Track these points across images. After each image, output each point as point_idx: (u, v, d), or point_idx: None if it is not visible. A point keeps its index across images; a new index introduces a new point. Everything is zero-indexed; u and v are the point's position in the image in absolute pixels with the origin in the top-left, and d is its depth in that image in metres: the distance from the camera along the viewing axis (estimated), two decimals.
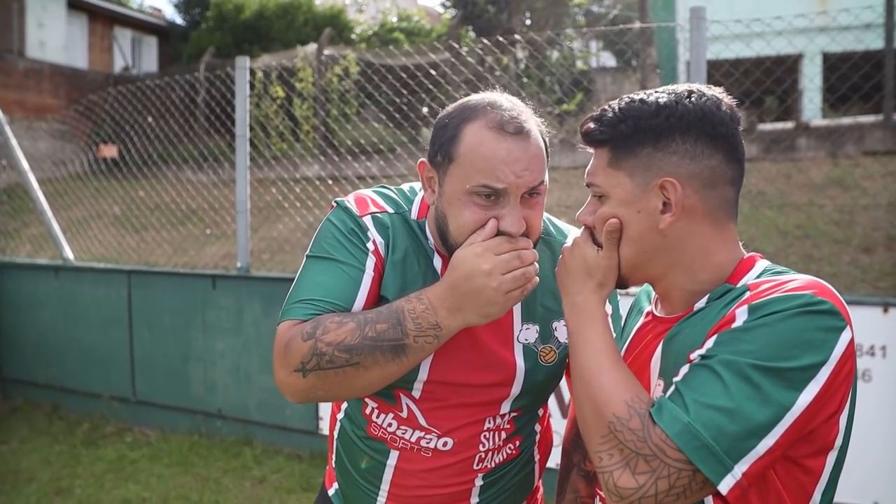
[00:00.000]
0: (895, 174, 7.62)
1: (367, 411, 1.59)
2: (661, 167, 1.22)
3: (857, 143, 8.87)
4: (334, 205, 1.57)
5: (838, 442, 1.13)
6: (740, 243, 1.30)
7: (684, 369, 1.14)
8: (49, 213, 6.12)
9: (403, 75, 6.35)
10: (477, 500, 1.59)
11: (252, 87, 9.51)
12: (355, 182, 7.61)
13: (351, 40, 16.08)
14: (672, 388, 1.13)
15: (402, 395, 1.53)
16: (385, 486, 1.58)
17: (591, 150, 1.31)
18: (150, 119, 8.44)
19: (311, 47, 13.16)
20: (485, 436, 1.55)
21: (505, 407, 1.56)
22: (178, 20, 21.16)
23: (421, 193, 1.58)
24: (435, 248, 1.53)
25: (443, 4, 16.23)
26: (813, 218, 7.17)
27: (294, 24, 16.76)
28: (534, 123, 1.43)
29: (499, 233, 1.38)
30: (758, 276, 1.23)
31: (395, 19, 16.83)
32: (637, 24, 10.26)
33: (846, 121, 9.03)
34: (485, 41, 5.74)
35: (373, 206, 1.54)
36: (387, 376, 1.37)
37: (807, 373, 1.06)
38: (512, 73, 10.09)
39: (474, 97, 1.46)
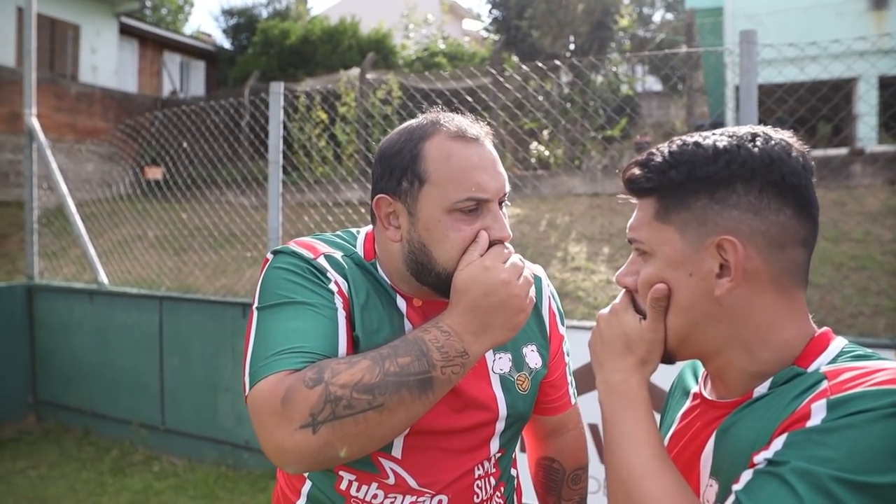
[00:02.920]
0: None
1: (344, 486, 1.38)
2: (718, 222, 1.03)
3: None
4: (270, 256, 1.37)
5: None
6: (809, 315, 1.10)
7: (746, 475, 0.93)
8: (85, 237, 6.12)
9: (441, 101, 6.24)
10: None
11: (296, 110, 9.53)
12: None
13: (395, 64, 16.12)
14: (732, 499, 0.92)
15: (381, 459, 1.36)
16: None
17: (634, 201, 1.14)
18: (190, 143, 8.48)
19: (354, 71, 13.21)
20: (478, 485, 1.43)
21: (494, 447, 1.44)
22: (226, 45, 21.56)
23: (360, 236, 1.46)
24: (394, 288, 1.39)
25: (486, 29, 16.20)
26: (870, 249, 6.83)
27: (339, 49, 16.88)
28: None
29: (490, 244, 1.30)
30: (833, 360, 1.02)
31: (442, 45, 16.84)
32: (683, 49, 10.05)
33: None
34: (524, 66, 5.61)
35: (322, 249, 1.38)
36: (411, 418, 1.18)
37: None
38: (555, 99, 9.95)
39: (413, 121, 1.38)
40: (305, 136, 9.64)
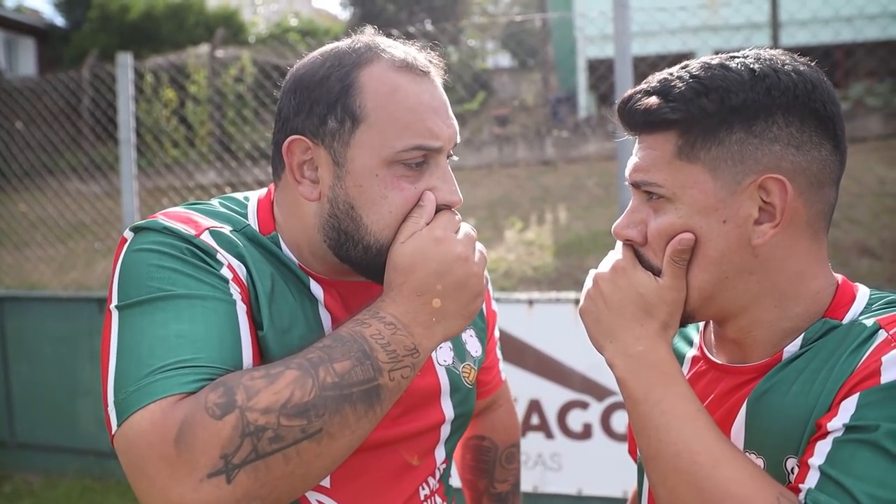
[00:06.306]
0: None
1: None
2: (758, 159, 0.90)
3: None
4: (129, 235, 1.03)
5: None
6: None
7: (823, 446, 0.83)
8: None
9: None
10: None
11: (141, 90, 8.96)
12: (255, 188, 7.25)
13: (246, 42, 15.56)
14: (816, 476, 0.82)
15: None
16: None
17: (630, 137, 0.99)
18: (25, 125, 7.79)
19: (203, 48, 12.61)
20: None
21: (439, 457, 1.22)
22: (59, 21, 19.98)
23: (251, 203, 1.15)
24: (303, 269, 1.10)
25: (342, 4, 15.93)
26: None
27: (185, 26, 16.09)
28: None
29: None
30: (865, 309, 0.94)
31: (294, 21, 16.41)
32: (538, 17, 10.29)
33: None
34: (380, 32, 5.53)
35: (205, 222, 1.04)
36: (354, 444, 0.92)
37: None
38: None
39: (344, 41, 1.08)
40: (154, 118, 9.11)
